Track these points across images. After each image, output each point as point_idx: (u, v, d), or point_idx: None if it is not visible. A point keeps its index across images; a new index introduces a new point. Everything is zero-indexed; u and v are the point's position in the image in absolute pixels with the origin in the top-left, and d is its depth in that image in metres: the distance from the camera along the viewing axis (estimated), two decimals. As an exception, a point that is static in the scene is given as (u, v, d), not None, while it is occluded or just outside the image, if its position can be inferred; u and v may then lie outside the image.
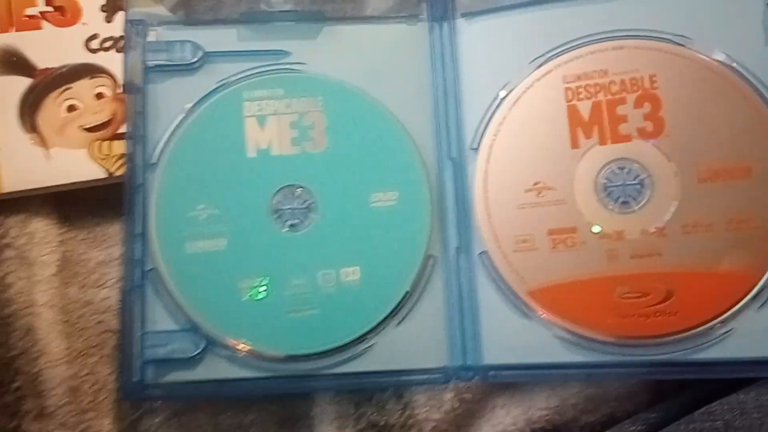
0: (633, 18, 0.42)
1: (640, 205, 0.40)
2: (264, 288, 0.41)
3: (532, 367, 0.41)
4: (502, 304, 0.41)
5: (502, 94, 0.43)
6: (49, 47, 0.45)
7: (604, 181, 0.41)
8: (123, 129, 0.44)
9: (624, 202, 0.41)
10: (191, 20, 0.45)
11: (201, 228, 0.41)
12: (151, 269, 0.41)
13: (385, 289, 0.41)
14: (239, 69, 0.44)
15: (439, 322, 0.41)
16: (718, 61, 0.41)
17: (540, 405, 0.42)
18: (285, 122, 0.43)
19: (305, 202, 0.42)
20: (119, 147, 0.44)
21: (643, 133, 0.41)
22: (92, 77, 0.45)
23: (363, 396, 0.43)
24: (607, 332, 0.40)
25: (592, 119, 0.42)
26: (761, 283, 0.38)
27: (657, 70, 0.41)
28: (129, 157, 0.42)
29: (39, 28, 0.46)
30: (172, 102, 0.43)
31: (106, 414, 0.42)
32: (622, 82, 0.41)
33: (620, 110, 0.41)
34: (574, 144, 0.42)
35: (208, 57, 0.44)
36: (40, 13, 0.46)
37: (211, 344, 0.40)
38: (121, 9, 0.46)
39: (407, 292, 0.41)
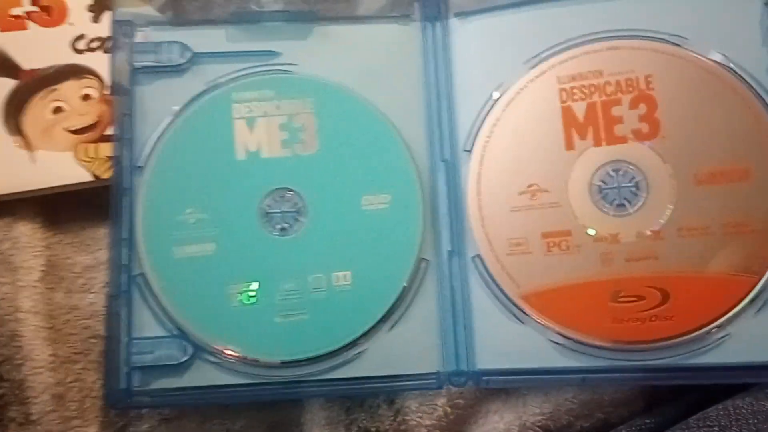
0: (629, 18, 0.42)
1: (635, 208, 0.40)
2: (253, 293, 0.41)
3: (525, 372, 0.40)
4: (496, 308, 0.41)
5: (496, 95, 0.43)
6: (35, 48, 0.45)
7: (599, 183, 0.41)
8: (110, 131, 0.44)
9: (619, 205, 0.40)
10: (179, 21, 0.44)
11: (189, 232, 0.41)
12: (138, 274, 0.41)
13: (377, 294, 0.41)
14: (228, 70, 0.44)
15: (431, 326, 0.41)
16: (714, 61, 0.40)
17: (534, 410, 0.42)
18: (275, 124, 0.43)
19: (295, 205, 0.42)
20: (106, 150, 0.44)
21: (638, 135, 0.40)
22: (79, 78, 0.45)
23: (354, 402, 0.42)
24: (602, 337, 0.39)
25: (586, 120, 0.41)
26: (758, 287, 0.38)
27: (653, 70, 0.41)
28: (116, 160, 0.42)
29: (24, 28, 0.45)
30: (159, 104, 0.43)
31: (93, 421, 0.42)
32: (618, 82, 0.41)
33: (615, 111, 0.41)
34: (569, 146, 0.41)
35: (197, 58, 0.44)
36: (26, 13, 0.46)
37: (200, 350, 0.40)
38: (108, 9, 0.45)
39: (399, 297, 0.41)
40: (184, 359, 0.40)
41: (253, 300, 0.40)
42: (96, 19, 0.46)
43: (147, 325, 0.40)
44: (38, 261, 0.44)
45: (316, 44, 0.44)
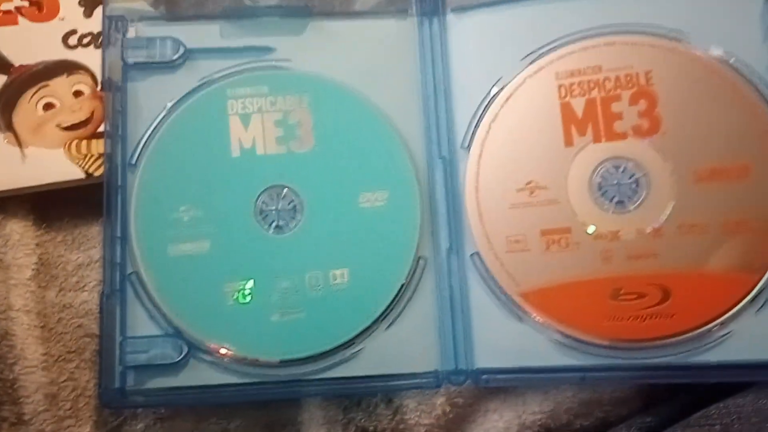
0: (628, 12, 0.41)
1: (635, 205, 0.40)
2: (249, 291, 0.40)
3: (525, 370, 0.40)
4: (495, 306, 0.41)
5: (494, 91, 0.43)
6: (26, 43, 0.44)
7: (599, 180, 0.41)
8: (102, 128, 0.43)
9: (619, 202, 0.40)
10: (173, 16, 0.44)
11: (183, 230, 0.41)
12: (132, 273, 0.40)
13: (375, 292, 0.41)
14: (222, 66, 0.43)
15: (429, 325, 0.41)
16: (715, 57, 0.40)
17: (533, 409, 0.42)
18: (270, 121, 0.42)
19: (291, 202, 0.42)
20: (98, 146, 0.43)
21: (638, 131, 0.40)
22: (70, 74, 0.44)
23: (352, 401, 0.42)
24: (601, 335, 0.39)
25: (585, 117, 0.41)
26: (759, 285, 0.38)
27: (653, 66, 0.40)
28: (108, 157, 0.41)
29: (15, 23, 0.45)
30: (152, 100, 0.42)
31: (86, 421, 0.41)
32: (617, 78, 0.41)
33: (615, 107, 0.41)
34: (568, 142, 0.41)
35: (190, 54, 0.43)
36: (16, 8, 0.45)
37: (194, 349, 0.40)
38: (100, 4, 0.45)
39: (397, 295, 0.41)
40: (178, 358, 0.39)
41: (248, 298, 0.40)
42: (88, 15, 0.45)
43: (141, 324, 0.40)
44: (30, 259, 0.43)
45: (311, 40, 0.44)
